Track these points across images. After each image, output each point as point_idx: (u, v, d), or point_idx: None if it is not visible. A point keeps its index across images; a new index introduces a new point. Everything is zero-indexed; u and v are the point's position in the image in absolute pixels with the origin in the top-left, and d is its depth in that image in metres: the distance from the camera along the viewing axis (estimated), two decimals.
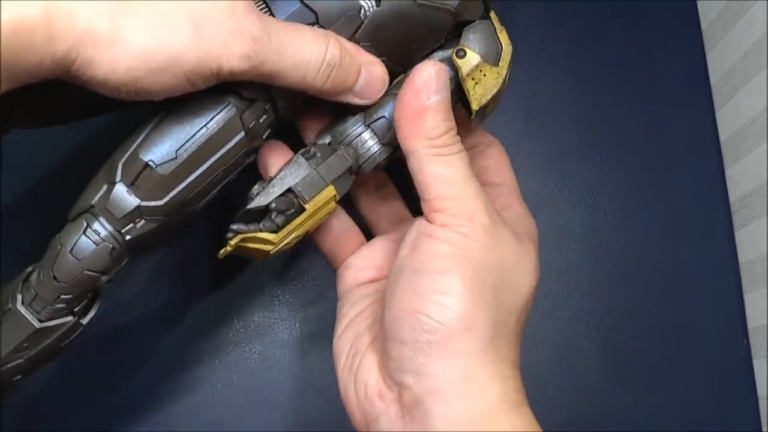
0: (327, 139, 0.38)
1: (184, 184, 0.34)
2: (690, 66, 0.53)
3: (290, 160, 0.36)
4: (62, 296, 0.33)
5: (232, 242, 0.35)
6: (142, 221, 0.34)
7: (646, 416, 0.46)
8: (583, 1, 0.53)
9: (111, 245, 0.33)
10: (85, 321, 0.35)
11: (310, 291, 0.47)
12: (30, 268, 0.34)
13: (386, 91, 0.36)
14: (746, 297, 0.49)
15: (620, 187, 0.50)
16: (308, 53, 0.32)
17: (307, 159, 0.36)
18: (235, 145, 0.34)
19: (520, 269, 0.34)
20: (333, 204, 0.36)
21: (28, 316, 0.33)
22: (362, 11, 0.35)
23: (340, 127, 0.38)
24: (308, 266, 0.48)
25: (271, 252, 0.35)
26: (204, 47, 0.30)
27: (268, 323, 0.47)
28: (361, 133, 0.37)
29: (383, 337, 0.33)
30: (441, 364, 0.31)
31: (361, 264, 0.40)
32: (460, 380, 0.31)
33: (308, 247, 0.43)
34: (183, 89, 0.31)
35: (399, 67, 0.37)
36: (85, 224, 0.33)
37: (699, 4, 0.54)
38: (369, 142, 0.37)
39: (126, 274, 0.46)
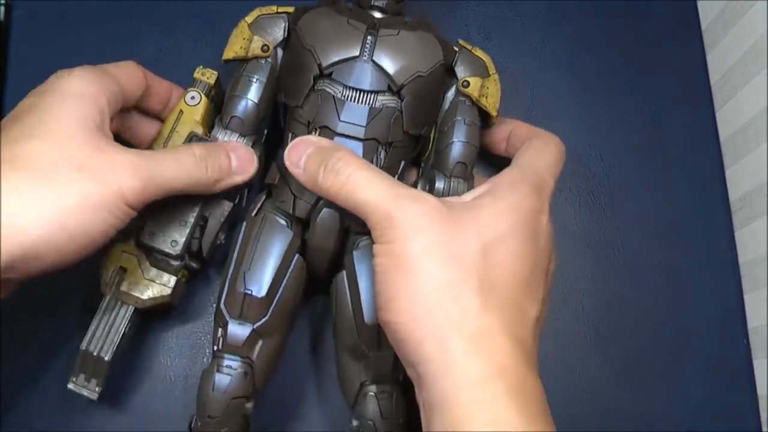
0: None
1: (278, 294, 0.40)
2: (690, 66, 0.53)
3: None
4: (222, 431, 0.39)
5: None
6: (261, 340, 0.40)
7: (646, 416, 0.46)
8: (583, 1, 0.53)
9: (244, 371, 0.39)
10: None
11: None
12: (190, 420, 0.40)
13: None
14: (746, 297, 0.49)
15: (620, 187, 0.50)
16: (180, 157, 0.38)
17: None
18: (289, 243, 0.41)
19: (472, 234, 0.35)
20: None
21: None
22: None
23: None
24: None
25: None
26: (99, 179, 0.35)
27: None
28: None
29: None
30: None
31: None
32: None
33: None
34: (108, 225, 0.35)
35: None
36: (216, 366, 0.39)
37: (699, 4, 0.54)
38: None
39: None
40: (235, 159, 0.40)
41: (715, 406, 0.47)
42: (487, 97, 0.43)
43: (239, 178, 0.41)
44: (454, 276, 0.33)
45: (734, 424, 0.47)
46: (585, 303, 0.48)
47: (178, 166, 0.38)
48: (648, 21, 0.53)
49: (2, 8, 0.54)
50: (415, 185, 0.44)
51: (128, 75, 0.42)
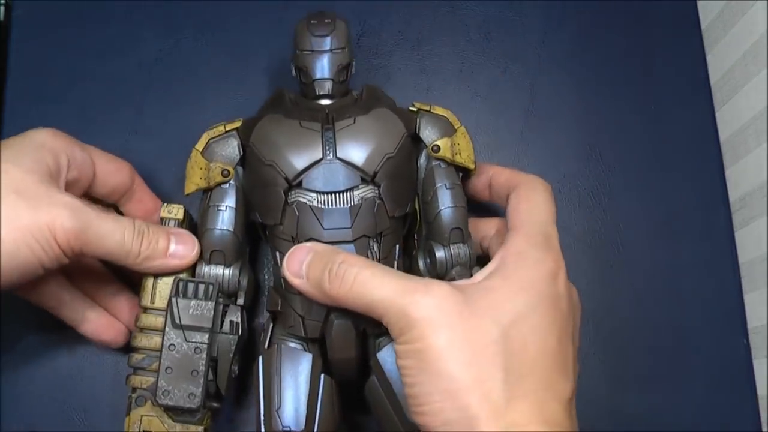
0: None
1: (316, 420, 0.39)
2: (690, 66, 0.53)
3: None
4: None
5: None
6: None
7: (646, 416, 0.46)
8: (583, 1, 0.53)
9: None
10: None
11: None
12: None
13: None
14: (746, 297, 0.49)
15: (620, 187, 0.50)
16: (121, 222, 0.39)
17: None
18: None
19: (489, 327, 0.34)
20: None
21: None
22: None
23: None
24: None
25: None
26: (34, 206, 0.36)
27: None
28: None
29: None
30: None
31: None
32: None
33: None
34: (38, 258, 0.36)
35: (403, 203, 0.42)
36: None
37: (699, 4, 0.54)
38: None
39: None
40: (175, 243, 0.40)
41: (715, 406, 0.47)
42: (460, 154, 0.42)
43: (175, 263, 0.40)
44: (479, 372, 0.33)
45: (734, 424, 0.47)
46: (585, 303, 0.48)
47: (115, 227, 0.38)
48: (648, 21, 0.53)
49: (2, 8, 0.54)
50: (414, 259, 0.43)
51: (110, 163, 0.43)
